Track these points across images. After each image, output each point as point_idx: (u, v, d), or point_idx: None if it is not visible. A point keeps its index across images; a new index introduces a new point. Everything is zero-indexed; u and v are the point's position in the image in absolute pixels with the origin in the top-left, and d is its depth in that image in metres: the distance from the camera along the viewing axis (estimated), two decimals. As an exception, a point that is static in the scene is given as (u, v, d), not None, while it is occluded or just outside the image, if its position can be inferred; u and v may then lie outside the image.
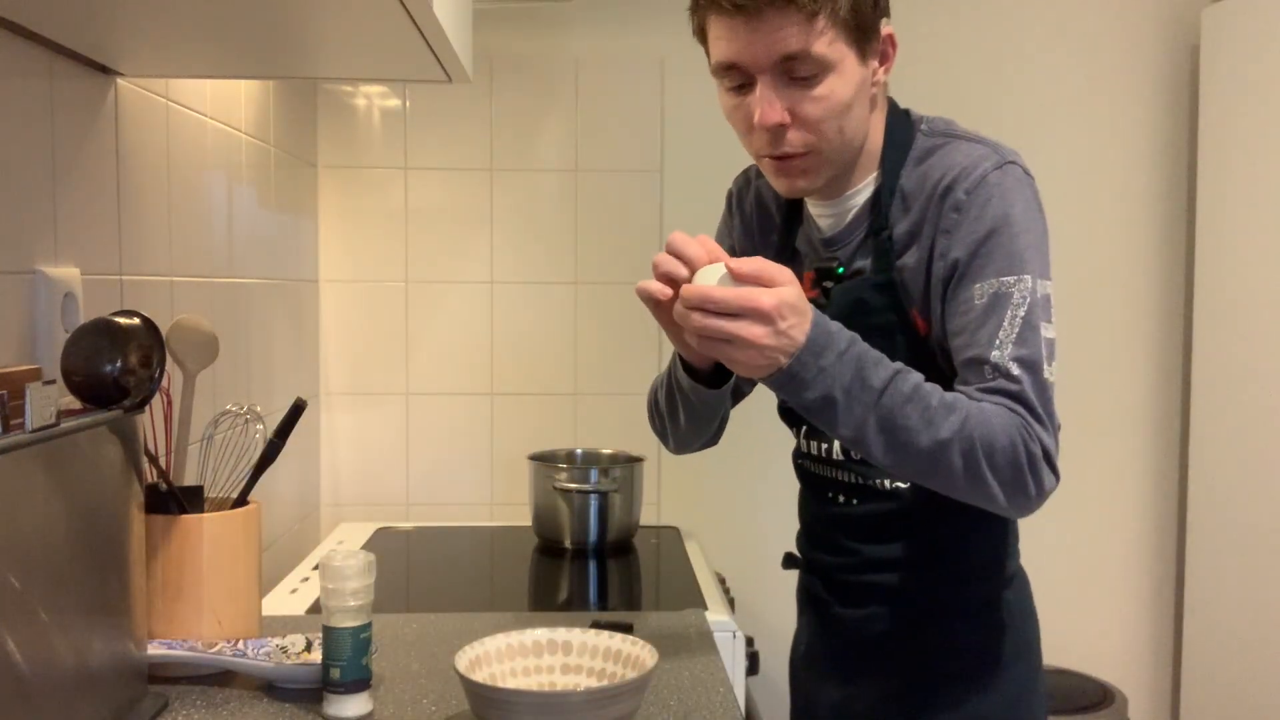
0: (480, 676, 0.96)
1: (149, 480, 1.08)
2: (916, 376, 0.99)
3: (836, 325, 0.97)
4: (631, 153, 2.25)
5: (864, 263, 1.13)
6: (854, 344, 0.97)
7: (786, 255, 1.22)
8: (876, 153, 1.14)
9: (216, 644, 1.10)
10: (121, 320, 1.00)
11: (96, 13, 1.01)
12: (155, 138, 1.37)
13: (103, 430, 0.92)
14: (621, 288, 2.26)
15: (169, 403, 1.16)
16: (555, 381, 2.27)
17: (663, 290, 0.98)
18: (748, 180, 1.30)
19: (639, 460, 1.95)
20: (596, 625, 1.16)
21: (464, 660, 0.96)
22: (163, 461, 1.13)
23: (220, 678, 1.10)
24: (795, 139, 1.06)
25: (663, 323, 1.03)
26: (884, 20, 1.08)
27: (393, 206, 2.23)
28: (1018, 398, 1.00)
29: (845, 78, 1.05)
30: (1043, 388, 1.01)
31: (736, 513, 2.30)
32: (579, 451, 2.08)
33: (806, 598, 1.31)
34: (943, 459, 0.97)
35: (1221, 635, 2.16)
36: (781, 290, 0.93)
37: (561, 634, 1.03)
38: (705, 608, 1.53)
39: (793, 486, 1.31)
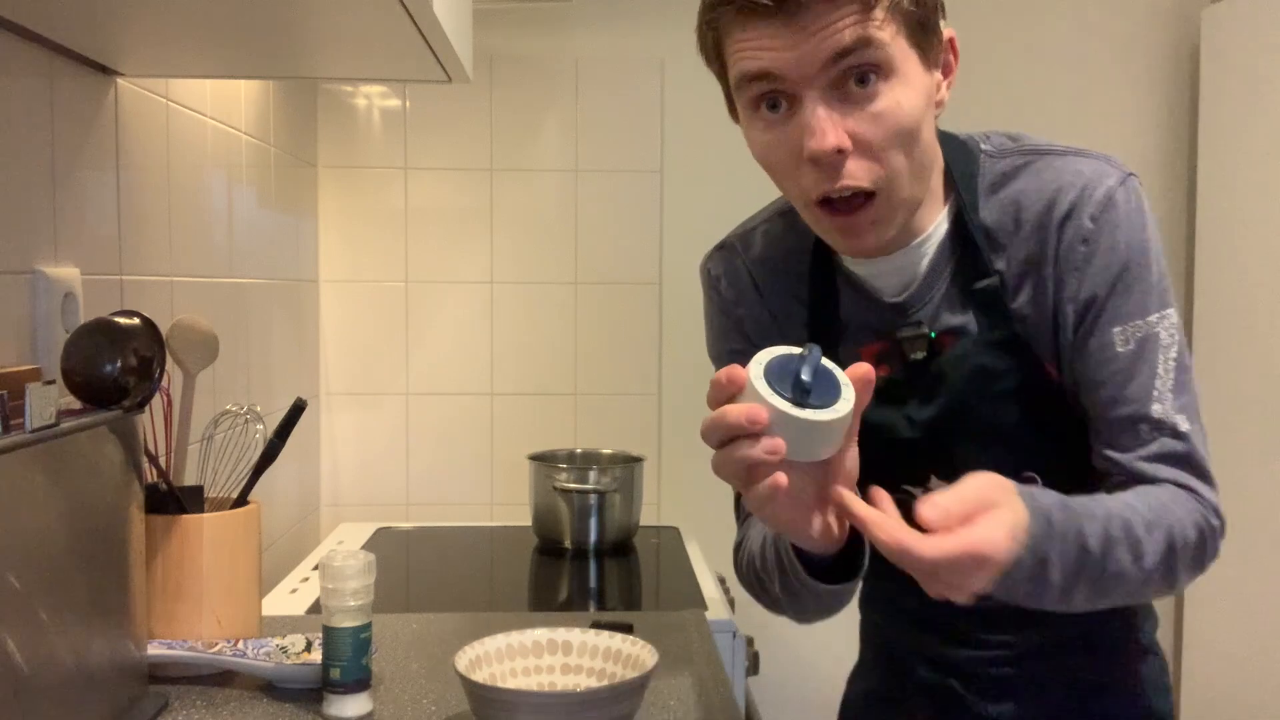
0: (480, 676, 0.96)
1: (149, 480, 1.08)
2: (1119, 506, 0.86)
3: (1048, 503, 0.82)
4: (631, 153, 2.25)
5: (960, 320, 0.96)
6: (1068, 517, 0.83)
7: (829, 337, 1.01)
8: (940, 187, 0.96)
9: (216, 644, 1.10)
10: (121, 320, 1.00)
11: (96, 13, 1.01)
12: (155, 138, 1.37)
13: (103, 430, 0.92)
14: (622, 288, 2.26)
15: (169, 403, 1.16)
16: (555, 381, 2.27)
17: (776, 481, 0.76)
18: (732, 257, 1.07)
19: (639, 460, 1.95)
20: (596, 625, 1.15)
21: (464, 660, 0.96)
22: (163, 461, 1.13)
23: (220, 678, 1.10)
24: (858, 171, 0.86)
25: (763, 508, 0.80)
26: (944, 22, 0.90)
27: (393, 206, 2.23)
28: (1188, 460, 0.90)
29: (912, 86, 0.86)
30: (1203, 437, 0.91)
31: (736, 513, 2.30)
32: (579, 451, 2.08)
33: (917, 687, 1.13)
34: (1147, 586, 0.88)
35: (1221, 635, 2.16)
36: (994, 527, 0.75)
37: (561, 634, 1.03)
38: (705, 608, 1.52)
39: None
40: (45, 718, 0.82)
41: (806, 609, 0.95)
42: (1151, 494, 0.89)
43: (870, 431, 0.93)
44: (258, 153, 1.78)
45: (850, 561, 0.87)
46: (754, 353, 0.89)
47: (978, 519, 0.76)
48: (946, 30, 0.90)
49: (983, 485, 0.80)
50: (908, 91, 0.85)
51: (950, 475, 0.93)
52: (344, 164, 2.21)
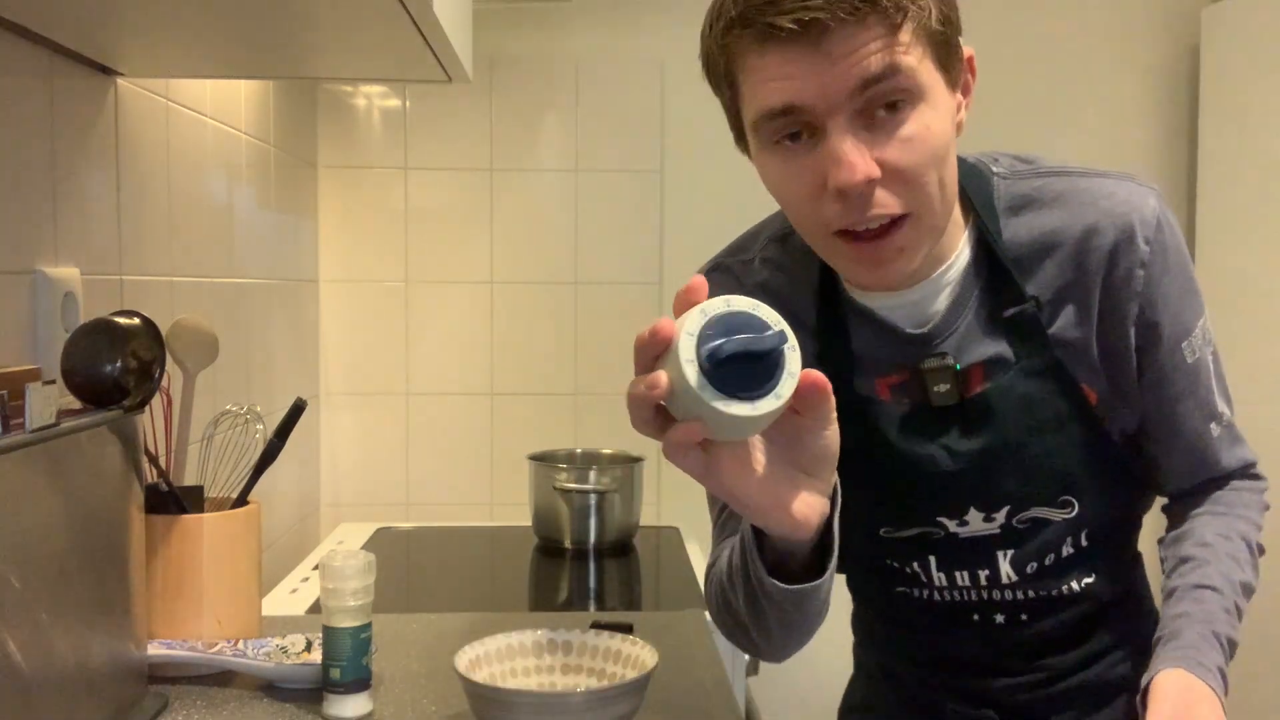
0: (480, 676, 0.96)
1: (149, 480, 1.08)
2: (1229, 569, 0.93)
3: (1214, 657, 0.88)
4: (631, 153, 2.25)
5: (992, 349, 0.93)
6: (1223, 644, 0.90)
7: (840, 366, 0.95)
8: (958, 214, 0.92)
9: (216, 644, 1.10)
10: (121, 320, 1.00)
11: (96, 13, 1.01)
12: (155, 138, 1.37)
13: (103, 430, 0.92)
14: (622, 288, 2.26)
15: (169, 403, 1.16)
16: (555, 381, 2.27)
17: (690, 434, 0.70)
18: (732, 283, 1.02)
19: (639, 460, 1.95)
20: (596, 625, 1.15)
21: (464, 660, 0.96)
22: (163, 461, 1.13)
23: (220, 678, 1.10)
24: (887, 199, 0.81)
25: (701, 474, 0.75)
26: (961, 40, 0.85)
27: (393, 206, 2.23)
28: (1239, 438, 1.01)
29: (939, 110, 0.82)
30: (1230, 402, 0.99)
31: (736, 513, 2.30)
32: (579, 451, 2.08)
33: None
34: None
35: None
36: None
37: (561, 634, 1.03)
38: (705, 608, 1.52)
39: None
40: (45, 718, 0.82)
41: (768, 626, 0.88)
42: (1235, 520, 0.97)
43: (903, 462, 0.95)
44: (258, 153, 1.78)
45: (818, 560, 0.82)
46: None
47: None
48: (966, 49, 0.86)
49: (1173, 699, 0.84)
50: (936, 115, 0.81)
51: (990, 506, 0.96)
52: (344, 164, 2.21)
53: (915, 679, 1.10)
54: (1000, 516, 0.96)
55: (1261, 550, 0.99)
